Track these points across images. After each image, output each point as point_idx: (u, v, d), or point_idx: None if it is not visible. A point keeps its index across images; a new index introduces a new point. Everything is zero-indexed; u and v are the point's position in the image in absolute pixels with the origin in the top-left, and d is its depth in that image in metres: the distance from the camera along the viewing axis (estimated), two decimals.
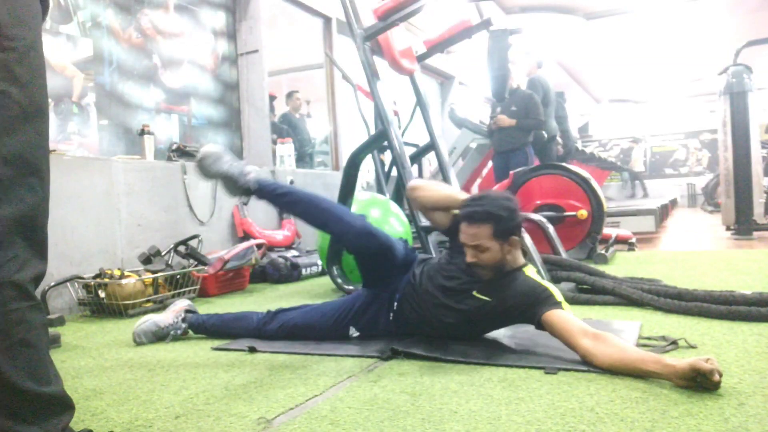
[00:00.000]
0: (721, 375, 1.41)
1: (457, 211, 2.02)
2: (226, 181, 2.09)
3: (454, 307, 1.94)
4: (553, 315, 1.75)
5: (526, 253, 2.62)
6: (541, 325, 1.79)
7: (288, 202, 2.17)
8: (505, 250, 1.88)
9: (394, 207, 3.58)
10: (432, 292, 1.99)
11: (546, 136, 5.74)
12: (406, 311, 2.06)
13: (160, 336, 2.32)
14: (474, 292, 1.91)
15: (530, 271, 1.94)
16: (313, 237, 4.94)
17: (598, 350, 1.62)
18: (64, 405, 1.06)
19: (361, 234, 2.08)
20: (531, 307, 1.81)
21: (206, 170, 2.07)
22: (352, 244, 2.20)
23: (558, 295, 1.82)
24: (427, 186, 2.18)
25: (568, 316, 1.75)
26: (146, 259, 3.37)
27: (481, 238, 1.86)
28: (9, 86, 0.98)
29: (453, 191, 2.15)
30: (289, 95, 6.59)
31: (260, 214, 4.61)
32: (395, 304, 2.09)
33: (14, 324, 0.97)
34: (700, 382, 1.42)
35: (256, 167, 2.17)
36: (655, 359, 1.53)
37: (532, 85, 5.78)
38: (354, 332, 2.14)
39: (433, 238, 3.01)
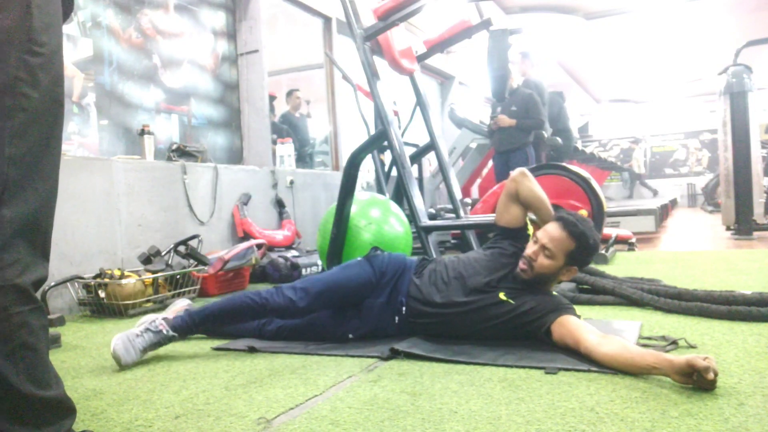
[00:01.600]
0: (716, 374, 1.42)
1: (533, 217, 2.12)
2: (155, 347, 2.02)
3: (471, 303, 1.97)
4: (568, 318, 1.84)
5: None
6: (549, 332, 1.85)
7: (213, 321, 2.12)
8: (562, 272, 1.95)
9: (394, 207, 3.58)
10: (453, 287, 2.01)
11: (546, 135, 5.74)
12: (414, 313, 2.06)
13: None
14: (500, 294, 1.96)
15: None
16: (312, 237, 4.95)
17: (601, 345, 1.67)
18: (65, 409, 1.05)
19: (289, 309, 2.07)
20: (548, 313, 1.87)
21: (130, 360, 1.94)
22: (293, 316, 2.16)
23: (576, 312, 1.90)
24: (534, 180, 2.14)
25: (582, 322, 1.83)
26: (146, 259, 3.37)
27: (557, 246, 1.90)
28: (31, 90, 0.98)
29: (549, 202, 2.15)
30: (289, 93, 6.53)
31: (260, 214, 4.61)
32: (403, 308, 2.08)
33: (16, 328, 0.96)
34: (696, 380, 1.43)
35: (159, 316, 2.07)
36: (654, 354, 1.57)
37: (527, 86, 5.78)
38: (352, 337, 2.13)
39: (433, 238, 3.00)
